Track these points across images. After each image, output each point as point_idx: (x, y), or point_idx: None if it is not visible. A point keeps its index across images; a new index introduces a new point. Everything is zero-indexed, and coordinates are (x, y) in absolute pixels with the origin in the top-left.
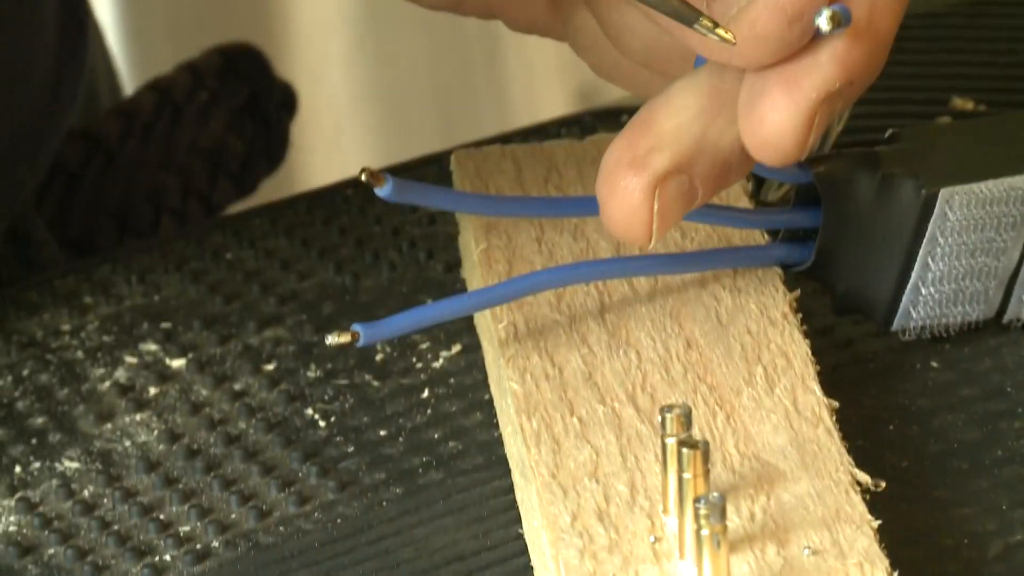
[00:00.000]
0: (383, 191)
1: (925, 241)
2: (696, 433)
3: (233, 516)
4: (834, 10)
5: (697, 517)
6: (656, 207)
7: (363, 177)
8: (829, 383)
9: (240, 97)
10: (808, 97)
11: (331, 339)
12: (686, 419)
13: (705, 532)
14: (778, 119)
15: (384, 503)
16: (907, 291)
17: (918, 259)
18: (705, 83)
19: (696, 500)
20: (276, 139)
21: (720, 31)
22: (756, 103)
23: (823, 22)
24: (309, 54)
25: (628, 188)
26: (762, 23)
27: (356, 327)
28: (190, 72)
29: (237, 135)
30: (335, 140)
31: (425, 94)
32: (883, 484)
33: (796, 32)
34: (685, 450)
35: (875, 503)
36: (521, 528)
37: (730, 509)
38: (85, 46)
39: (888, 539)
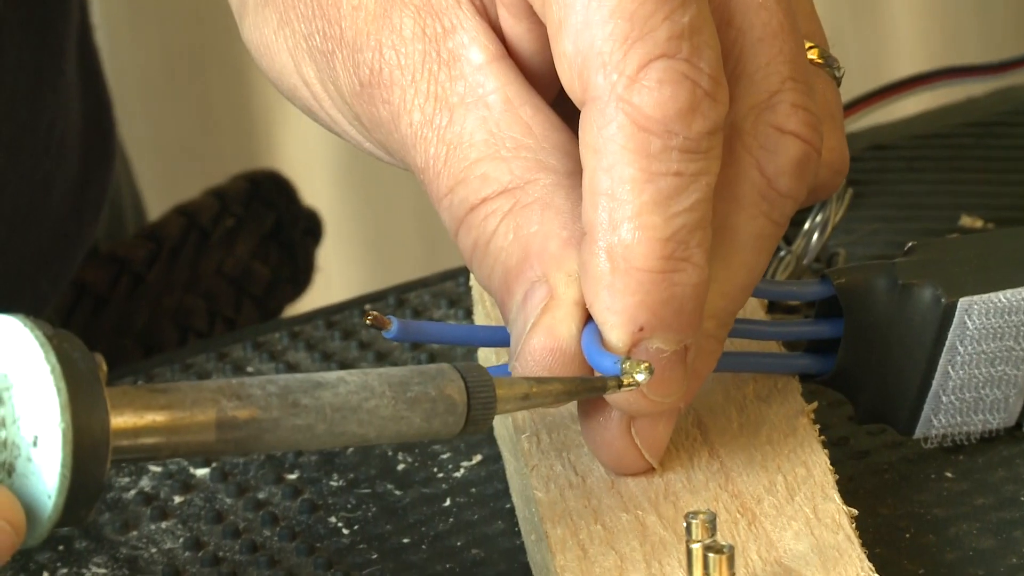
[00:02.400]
0: (389, 333)
1: (945, 349)
2: (720, 539)
3: None
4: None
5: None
6: (639, 442)
7: (368, 321)
8: (846, 492)
9: (266, 224)
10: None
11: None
12: (711, 525)
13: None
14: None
15: None
16: (928, 399)
17: (938, 367)
18: None
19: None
20: (301, 265)
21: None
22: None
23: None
24: (294, 182)
25: (607, 438)
26: None
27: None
28: (217, 197)
29: (262, 261)
30: (320, 267)
31: (409, 220)
32: None
33: None
34: (711, 555)
35: None
36: None
37: None
38: (110, 160)
39: None
